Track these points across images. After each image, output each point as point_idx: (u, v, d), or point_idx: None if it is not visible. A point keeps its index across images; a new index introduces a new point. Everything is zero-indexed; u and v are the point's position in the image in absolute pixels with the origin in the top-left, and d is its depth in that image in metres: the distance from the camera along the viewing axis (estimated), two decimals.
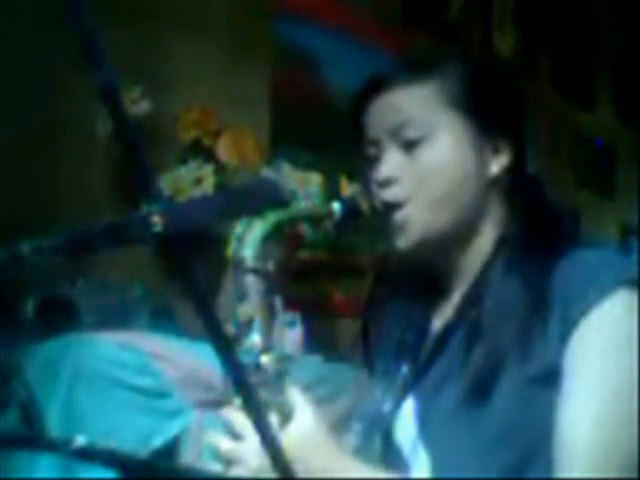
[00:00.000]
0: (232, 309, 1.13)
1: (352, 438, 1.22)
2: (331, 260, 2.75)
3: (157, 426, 1.93)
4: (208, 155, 2.46)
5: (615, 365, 1.09)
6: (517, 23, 4.02)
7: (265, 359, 1.11)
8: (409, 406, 1.22)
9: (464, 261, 1.23)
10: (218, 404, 1.89)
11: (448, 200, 1.20)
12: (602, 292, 1.10)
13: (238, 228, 1.13)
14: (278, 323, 1.14)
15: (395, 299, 1.31)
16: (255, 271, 1.12)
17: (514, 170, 1.24)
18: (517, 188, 1.24)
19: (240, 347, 1.11)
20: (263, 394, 1.09)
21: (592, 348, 1.09)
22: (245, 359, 1.10)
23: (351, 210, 1.19)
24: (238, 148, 2.50)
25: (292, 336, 2.40)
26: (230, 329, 1.11)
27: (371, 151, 1.24)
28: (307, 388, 1.14)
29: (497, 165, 1.23)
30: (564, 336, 1.10)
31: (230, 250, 1.13)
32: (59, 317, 2.08)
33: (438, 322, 1.26)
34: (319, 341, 2.60)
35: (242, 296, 1.12)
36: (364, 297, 1.34)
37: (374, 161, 1.24)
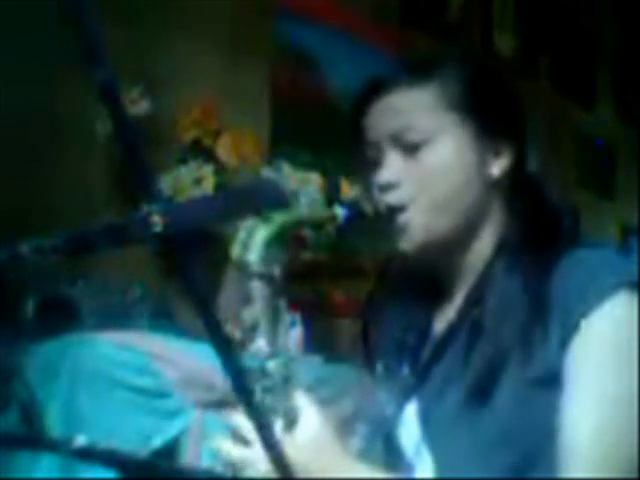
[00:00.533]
0: (233, 311, 1.13)
1: (356, 441, 1.22)
2: (332, 261, 2.75)
3: (157, 426, 1.93)
4: (208, 155, 2.46)
5: (616, 368, 1.09)
6: (517, 23, 4.02)
7: (271, 364, 1.11)
8: (412, 408, 1.22)
9: (465, 263, 1.23)
10: (218, 404, 1.90)
11: (450, 203, 1.20)
12: (602, 294, 1.10)
13: (242, 232, 1.13)
14: (283, 326, 1.14)
15: (397, 301, 1.31)
16: (260, 276, 1.12)
17: (515, 172, 1.24)
18: (518, 189, 1.24)
19: (245, 352, 1.11)
20: (269, 399, 1.09)
21: (593, 350, 1.09)
22: (251, 364, 1.10)
23: (354, 214, 1.19)
24: (238, 148, 2.50)
25: (292, 336, 2.40)
26: (230, 330, 1.11)
27: (372, 154, 1.24)
28: (308, 389, 1.14)
29: (498, 167, 1.23)
30: (565, 338, 1.09)
31: (234, 254, 1.13)
32: (59, 317, 2.08)
33: (440, 324, 1.26)
34: (319, 341, 2.60)
35: (247, 300, 1.12)
36: (365, 297, 1.34)
37: (375, 164, 1.24)
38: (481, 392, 1.12)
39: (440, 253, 1.23)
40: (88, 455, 0.80)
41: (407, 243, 1.20)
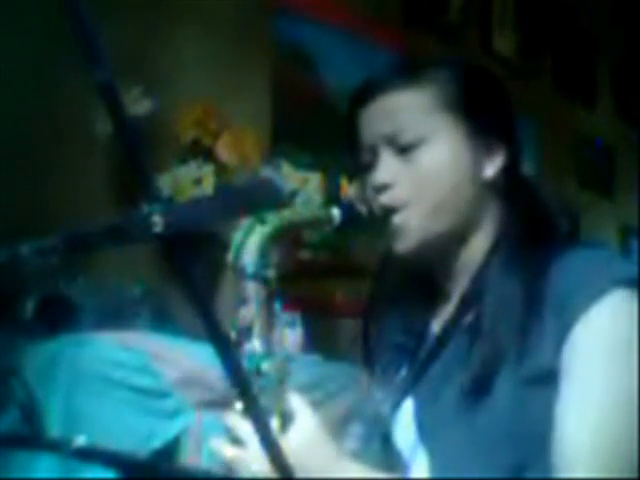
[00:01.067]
0: (231, 313, 1.13)
1: (352, 440, 1.22)
2: (331, 261, 2.75)
3: (157, 426, 1.93)
4: (208, 155, 2.46)
5: (615, 364, 1.09)
6: (517, 23, 4.02)
7: (266, 365, 1.11)
8: (408, 407, 1.23)
9: (461, 263, 1.23)
10: (218, 404, 1.90)
11: (445, 204, 1.20)
12: (600, 291, 1.10)
13: (238, 234, 1.13)
14: (278, 326, 1.14)
15: (394, 301, 1.32)
16: (255, 277, 1.12)
17: (509, 172, 1.24)
18: (513, 189, 1.24)
19: (241, 353, 1.11)
20: (264, 400, 1.09)
21: (592, 346, 1.09)
22: (246, 365, 1.10)
23: (350, 215, 1.19)
24: (238, 148, 2.50)
25: (292, 336, 2.40)
26: (229, 332, 1.11)
27: (367, 156, 1.25)
28: (307, 388, 1.15)
29: (492, 167, 1.23)
30: (562, 335, 1.09)
31: (231, 256, 1.13)
32: (58, 317, 2.08)
33: (437, 323, 1.26)
34: (319, 341, 2.60)
35: (242, 302, 1.12)
36: (364, 298, 1.34)
37: (370, 165, 1.24)
38: (478, 391, 1.13)
39: (436, 253, 1.23)
40: (88, 455, 0.80)
41: (402, 244, 1.21)
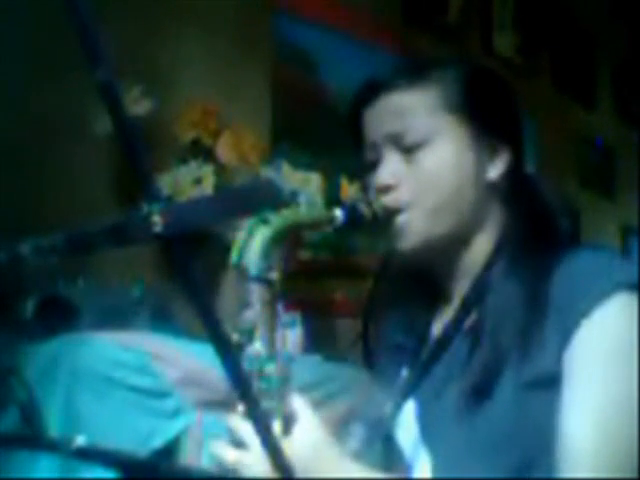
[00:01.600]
0: (233, 314, 1.12)
1: (353, 442, 1.22)
2: (331, 260, 2.75)
3: (157, 426, 1.93)
4: (208, 155, 2.46)
5: (617, 367, 1.09)
6: (517, 23, 4.02)
7: (269, 367, 1.11)
8: (410, 409, 1.22)
9: (464, 264, 1.23)
10: (218, 404, 1.90)
11: (448, 205, 1.20)
12: (603, 294, 1.09)
13: (241, 235, 1.13)
14: (280, 327, 1.14)
15: (395, 301, 1.31)
16: (258, 279, 1.12)
17: (513, 173, 1.24)
18: (516, 190, 1.24)
19: (243, 355, 1.10)
20: (267, 402, 1.09)
21: (594, 350, 1.09)
22: (249, 367, 1.10)
23: (353, 216, 1.19)
24: (238, 148, 2.50)
25: (292, 336, 2.40)
26: (231, 333, 1.11)
27: (370, 155, 1.25)
28: (307, 388, 1.14)
29: (496, 168, 1.23)
30: (565, 338, 1.09)
31: (234, 257, 1.13)
32: (59, 317, 2.08)
33: (438, 325, 1.26)
34: (319, 341, 2.60)
35: (245, 304, 1.12)
36: (364, 298, 1.34)
37: (373, 165, 1.24)
38: (480, 393, 1.12)
39: (438, 255, 1.23)
40: (88, 455, 0.80)
41: (405, 245, 1.21)
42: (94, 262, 2.17)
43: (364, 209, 1.20)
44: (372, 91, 1.24)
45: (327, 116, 2.98)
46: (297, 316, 2.45)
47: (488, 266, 1.21)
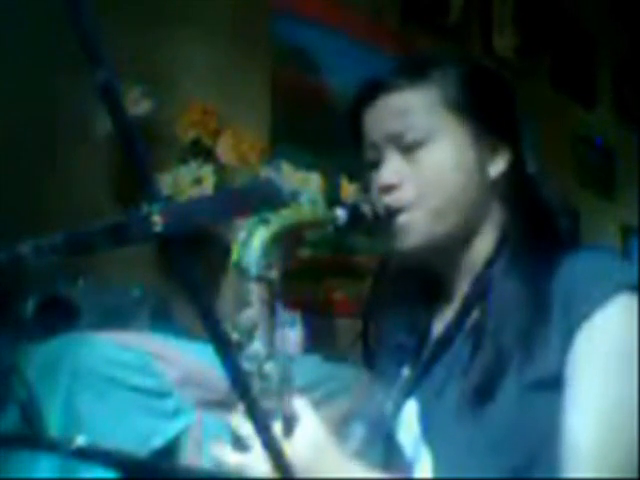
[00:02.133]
0: (233, 314, 1.12)
1: (354, 442, 1.22)
2: (332, 260, 2.75)
3: (157, 426, 1.93)
4: (208, 155, 2.46)
5: (619, 369, 1.09)
6: (517, 23, 4.02)
7: (269, 367, 1.10)
8: (411, 408, 1.22)
9: (465, 263, 1.23)
10: (218, 404, 1.90)
11: (449, 204, 1.20)
12: (604, 296, 1.09)
13: (241, 235, 1.13)
14: (279, 326, 1.14)
15: (396, 300, 1.31)
16: (258, 278, 1.12)
17: (513, 172, 1.24)
18: (517, 189, 1.24)
19: (243, 354, 1.10)
20: (268, 402, 1.09)
21: (596, 352, 1.09)
22: (249, 367, 1.10)
23: (354, 215, 1.19)
24: (238, 148, 2.50)
25: (292, 336, 2.40)
26: (231, 333, 1.11)
27: (371, 155, 1.24)
28: (307, 388, 1.14)
29: (497, 167, 1.23)
30: (567, 339, 1.09)
31: (234, 257, 1.13)
32: (59, 317, 2.08)
33: (439, 324, 1.26)
34: (319, 341, 2.60)
35: (245, 303, 1.12)
36: (364, 297, 1.34)
37: (374, 165, 1.24)
38: (482, 394, 1.12)
39: (439, 254, 1.23)
40: (88, 455, 0.80)
41: (407, 244, 1.20)
42: (94, 262, 2.17)
43: (366, 208, 1.20)
44: (372, 90, 1.24)
45: (327, 116, 2.98)
46: (297, 316, 2.46)
47: (489, 265, 1.21)
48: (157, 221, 0.63)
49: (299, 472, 1.03)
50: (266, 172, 2.50)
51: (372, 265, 1.36)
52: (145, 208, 0.63)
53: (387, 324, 1.32)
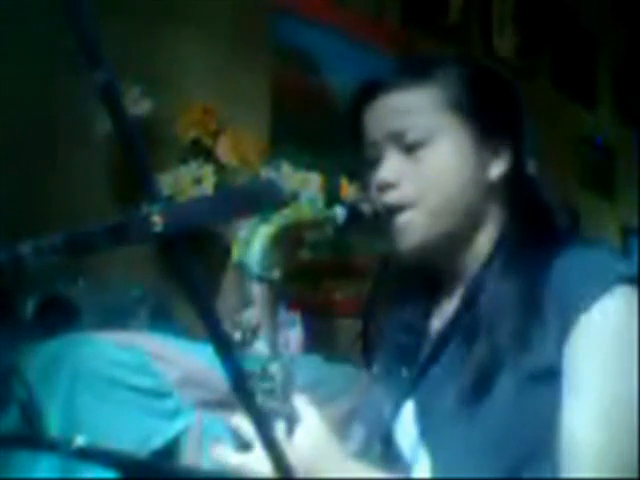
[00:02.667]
0: (234, 314, 1.12)
1: (353, 442, 1.22)
2: (332, 260, 2.75)
3: (157, 426, 1.93)
4: (208, 155, 2.46)
5: (617, 363, 1.09)
6: (517, 24, 4.02)
7: (272, 367, 1.10)
8: (409, 408, 1.22)
9: (463, 262, 1.23)
10: (218, 404, 1.90)
11: (449, 204, 1.20)
12: (602, 289, 1.09)
13: (242, 235, 1.13)
14: (282, 328, 1.14)
15: (396, 301, 1.31)
16: (260, 278, 1.12)
17: (513, 172, 1.24)
18: (516, 190, 1.24)
19: (246, 355, 1.10)
20: (270, 402, 1.09)
21: (593, 346, 1.09)
22: (252, 367, 1.09)
23: (353, 214, 1.19)
24: (238, 148, 2.50)
25: (292, 336, 2.40)
26: (233, 333, 1.11)
27: (371, 154, 1.24)
28: (307, 388, 1.14)
29: (497, 168, 1.23)
30: (564, 333, 1.09)
31: (235, 257, 1.12)
32: (59, 317, 2.08)
33: (437, 323, 1.26)
34: (319, 341, 2.60)
35: (247, 303, 1.12)
36: (364, 297, 1.34)
37: (374, 164, 1.24)
38: (479, 390, 1.12)
39: (439, 254, 1.23)
40: (88, 455, 0.80)
41: (406, 244, 1.20)
42: (94, 262, 2.17)
43: (365, 207, 1.20)
44: (374, 89, 1.23)
45: (327, 116, 2.98)
46: (297, 316, 2.46)
47: (487, 264, 1.21)
48: (157, 221, 0.63)
49: (300, 472, 1.03)
50: (266, 172, 2.50)
51: (372, 265, 1.36)
52: (145, 208, 0.63)
53: (387, 324, 1.32)
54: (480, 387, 1.12)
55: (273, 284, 1.13)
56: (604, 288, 1.09)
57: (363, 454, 1.19)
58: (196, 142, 2.48)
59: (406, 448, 1.22)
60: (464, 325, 1.20)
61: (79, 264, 2.12)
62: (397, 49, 3.24)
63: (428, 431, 1.20)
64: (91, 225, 0.71)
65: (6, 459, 1.78)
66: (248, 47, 2.88)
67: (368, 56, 3.14)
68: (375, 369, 1.30)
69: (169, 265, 0.63)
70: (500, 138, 1.23)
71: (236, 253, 1.12)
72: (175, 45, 2.66)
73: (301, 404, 1.11)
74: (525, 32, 4.05)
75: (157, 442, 1.92)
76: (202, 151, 2.47)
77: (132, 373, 1.92)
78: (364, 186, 1.27)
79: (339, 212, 1.18)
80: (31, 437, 0.96)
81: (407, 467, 1.20)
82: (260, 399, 1.08)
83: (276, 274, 1.13)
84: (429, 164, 1.20)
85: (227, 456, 1.09)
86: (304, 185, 2.51)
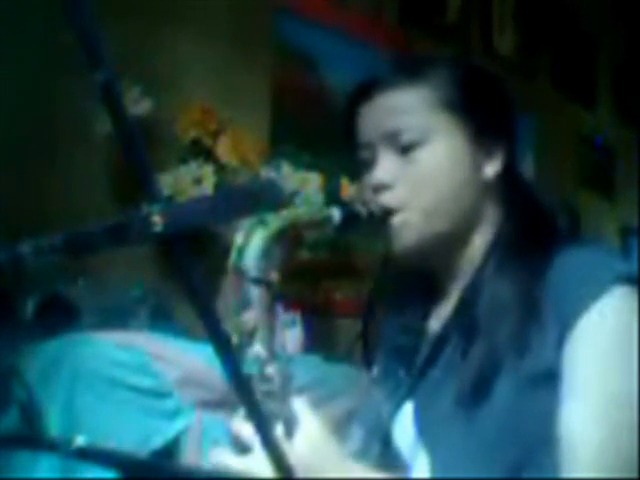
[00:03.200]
0: (232, 316, 1.12)
1: (352, 442, 1.22)
2: (331, 260, 2.75)
3: (157, 426, 1.93)
4: (208, 155, 2.46)
5: (616, 363, 1.09)
6: (517, 23, 4.02)
7: (270, 369, 1.10)
8: (408, 409, 1.22)
9: (460, 263, 1.23)
10: (218, 404, 1.90)
11: (444, 205, 1.20)
12: (601, 289, 1.09)
13: (240, 236, 1.13)
14: (279, 327, 1.14)
15: (394, 301, 1.31)
16: (257, 280, 1.12)
17: (508, 171, 1.24)
18: (511, 189, 1.24)
19: (244, 357, 1.10)
20: (268, 404, 1.09)
21: (592, 345, 1.09)
22: (250, 370, 1.09)
23: (348, 215, 1.19)
24: (238, 148, 2.50)
25: (292, 336, 2.40)
26: (231, 336, 1.11)
27: (365, 155, 1.24)
28: (307, 388, 1.14)
29: (491, 168, 1.23)
30: (563, 334, 1.09)
31: (232, 259, 1.12)
32: (59, 317, 2.08)
33: (436, 323, 1.26)
34: (319, 341, 2.61)
35: (245, 305, 1.12)
36: (364, 297, 1.34)
37: (369, 164, 1.24)
38: (477, 391, 1.12)
39: (435, 254, 1.23)
40: (88, 455, 0.80)
41: (401, 245, 1.20)
42: (94, 262, 2.17)
43: (359, 208, 1.20)
44: (367, 89, 1.24)
45: (327, 116, 2.98)
46: (297, 316, 2.46)
47: (484, 263, 1.21)
48: (157, 221, 0.63)
49: (300, 473, 1.03)
50: (266, 172, 2.50)
51: (372, 265, 1.36)
52: (145, 208, 0.63)
53: (386, 324, 1.32)
54: (478, 388, 1.12)
55: (270, 286, 1.12)
56: (603, 288, 1.09)
57: (362, 454, 1.19)
58: (196, 142, 2.48)
59: (405, 448, 1.22)
60: (462, 326, 1.20)
61: (79, 264, 2.12)
62: (396, 49, 3.24)
63: (427, 432, 1.20)
64: (91, 225, 0.71)
65: (6, 459, 1.78)
66: (248, 47, 2.88)
67: (368, 56, 3.14)
68: (375, 370, 1.30)
69: (169, 265, 0.63)
70: (494, 138, 1.23)
71: (233, 256, 1.12)
72: (175, 45, 2.66)
73: (299, 405, 1.11)
74: (525, 31, 4.05)
75: (157, 442, 1.92)
76: (202, 151, 2.47)
77: (132, 373, 1.93)
78: (360, 187, 1.27)
79: (335, 213, 1.18)
80: (31, 437, 0.96)
81: (406, 467, 1.20)
82: (259, 402, 1.08)
83: (273, 276, 1.13)
84: (424, 165, 1.20)
85: (227, 457, 1.09)
86: (304, 185, 2.51)
